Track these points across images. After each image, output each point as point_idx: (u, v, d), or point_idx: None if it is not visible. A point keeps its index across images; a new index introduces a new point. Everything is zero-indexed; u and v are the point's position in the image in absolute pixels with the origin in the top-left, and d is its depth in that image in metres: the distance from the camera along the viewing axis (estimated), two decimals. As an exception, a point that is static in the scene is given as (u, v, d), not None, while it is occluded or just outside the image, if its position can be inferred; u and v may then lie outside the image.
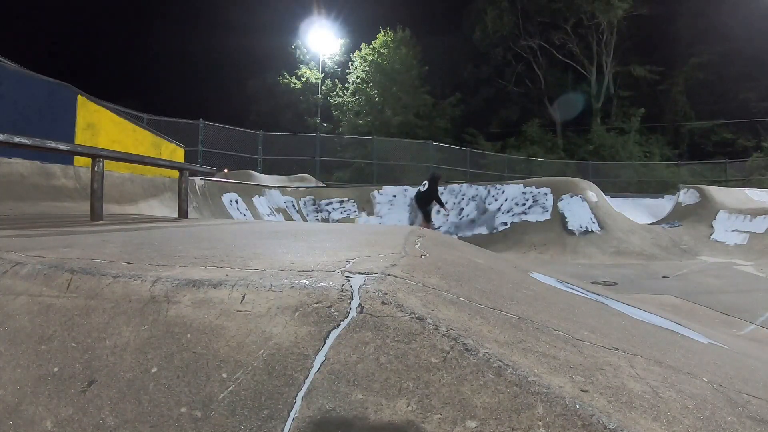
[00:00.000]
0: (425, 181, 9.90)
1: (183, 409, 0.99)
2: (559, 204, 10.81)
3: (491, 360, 0.99)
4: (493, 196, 11.73)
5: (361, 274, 1.40)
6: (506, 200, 11.45)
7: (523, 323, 1.35)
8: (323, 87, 28.05)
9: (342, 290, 1.23)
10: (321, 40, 27.22)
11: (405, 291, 1.30)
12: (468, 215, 11.66)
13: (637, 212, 13.74)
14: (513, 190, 11.58)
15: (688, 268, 7.69)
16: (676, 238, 10.75)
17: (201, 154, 14.39)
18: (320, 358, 1.03)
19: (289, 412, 0.94)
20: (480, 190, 12.07)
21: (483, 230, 11.07)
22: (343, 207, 12.06)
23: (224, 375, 1.04)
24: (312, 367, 1.02)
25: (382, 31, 26.84)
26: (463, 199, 12.04)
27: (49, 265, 1.52)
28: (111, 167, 5.56)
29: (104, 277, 1.40)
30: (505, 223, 11.00)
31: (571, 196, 10.90)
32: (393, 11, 27.82)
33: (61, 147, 3.69)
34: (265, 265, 1.57)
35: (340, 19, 28.41)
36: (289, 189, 12.16)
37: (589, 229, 10.18)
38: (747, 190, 14.84)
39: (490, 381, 0.95)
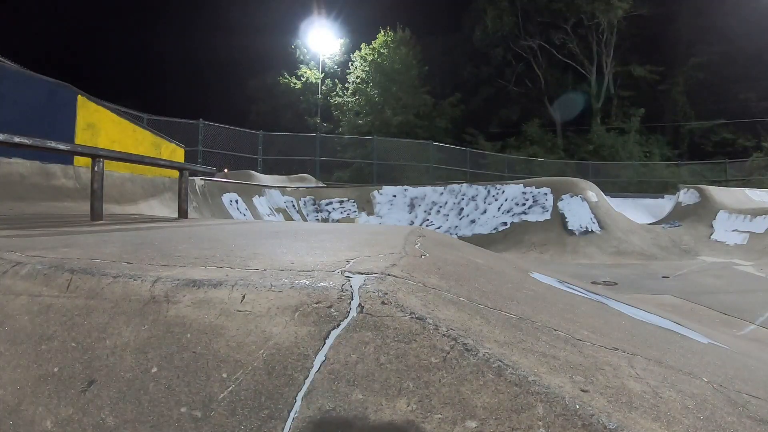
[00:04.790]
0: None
1: (183, 409, 0.99)
2: (559, 204, 10.81)
3: (491, 360, 0.99)
4: (493, 196, 11.73)
5: (361, 274, 1.40)
6: (506, 200, 11.44)
7: (523, 323, 1.35)
8: (323, 87, 28.05)
9: (342, 290, 1.23)
10: (321, 40, 27.24)
11: (405, 291, 1.30)
12: (468, 215, 11.66)
13: (637, 212, 13.74)
14: (513, 190, 11.57)
15: (688, 268, 7.69)
16: (676, 238, 10.75)
17: (201, 154, 14.39)
18: (320, 358, 1.03)
19: (289, 412, 0.94)
20: (480, 190, 12.07)
21: (483, 230, 11.07)
22: (343, 207, 12.06)
23: (224, 375, 1.04)
24: (312, 367, 1.02)
25: (382, 31, 26.84)
26: (463, 199, 12.04)
27: (49, 265, 1.52)
28: (111, 167, 5.56)
29: (104, 277, 1.40)
30: (505, 223, 11.00)
31: (571, 196, 10.90)
32: (393, 11, 27.83)
33: (61, 147, 3.69)
34: (265, 265, 1.57)
35: (340, 19, 28.41)
36: (289, 189, 12.17)
37: (589, 229, 10.18)
38: (747, 190, 14.85)
39: (490, 381, 0.95)
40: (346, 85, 27.48)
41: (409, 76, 27.00)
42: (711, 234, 10.97)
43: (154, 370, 1.09)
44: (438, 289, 1.43)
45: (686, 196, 12.99)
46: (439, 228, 10.97)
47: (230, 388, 1.01)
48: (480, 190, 12.08)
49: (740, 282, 6.43)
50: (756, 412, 1.11)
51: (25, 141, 3.25)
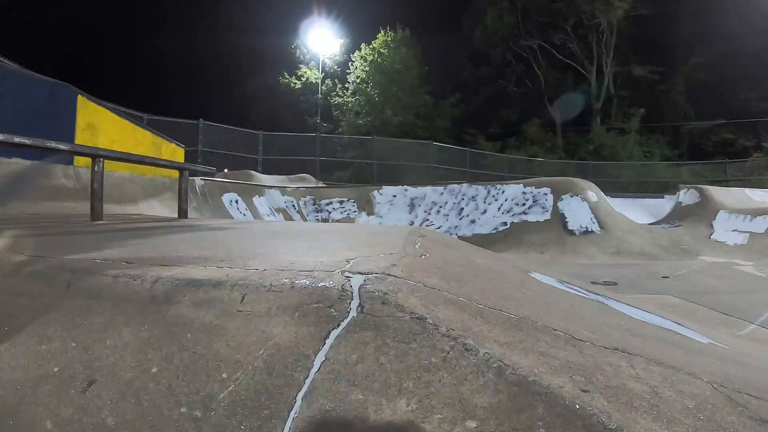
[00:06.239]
0: None
1: (183, 409, 0.99)
2: (559, 204, 10.81)
3: (491, 360, 0.99)
4: (493, 196, 11.73)
5: (361, 274, 1.39)
6: (506, 200, 11.44)
7: (523, 323, 1.35)
8: (323, 87, 28.03)
9: (342, 290, 1.23)
10: (321, 40, 27.21)
11: (405, 291, 1.29)
12: (468, 215, 11.66)
13: (637, 212, 13.73)
14: (513, 190, 11.58)
15: (688, 268, 7.69)
16: (676, 238, 10.75)
17: (201, 154, 14.39)
18: (320, 358, 1.03)
19: (289, 412, 0.94)
20: (480, 190, 12.07)
21: (483, 230, 11.07)
22: (343, 207, 12.05)
23: (224, 375, 1.04)
24: (312, 367, 1.02)
25: (382, 31, 26.86)
26: (463, 199, 12.04)
27: (49, 265, 1.52)
28: (111, 167, 5.55)
29: (104, 277, 1.40)
30: (505, 223, 11.00)
31: (571, 196, 10.90)
32: (393, 11, 27.82)
33: (61, 147, 3.69)
34: (265, 265, 1.57)
35: (340, 19, 28.40)
36: (289, 189, 12.17)
37: (589, 229, 10.18)
38: (747, 190, 14.84)
39: (490, 381, 0.95)
40: (346, 85, 27.50)
41: (409, 76, 27.01)
42: (711, 234, 10.97)
43: (154, 370, 1.09)
44: (438, 289, 1.43)
45: (686, 196, 12.99)
46: (439, 228, 10.97)
47: (230, 388, 1.01)
48: (480, 190, 12.08)
49: (740, 282, 6.43)
50: (756, 412, 1.10)
51: (25, 141, 3.24)
